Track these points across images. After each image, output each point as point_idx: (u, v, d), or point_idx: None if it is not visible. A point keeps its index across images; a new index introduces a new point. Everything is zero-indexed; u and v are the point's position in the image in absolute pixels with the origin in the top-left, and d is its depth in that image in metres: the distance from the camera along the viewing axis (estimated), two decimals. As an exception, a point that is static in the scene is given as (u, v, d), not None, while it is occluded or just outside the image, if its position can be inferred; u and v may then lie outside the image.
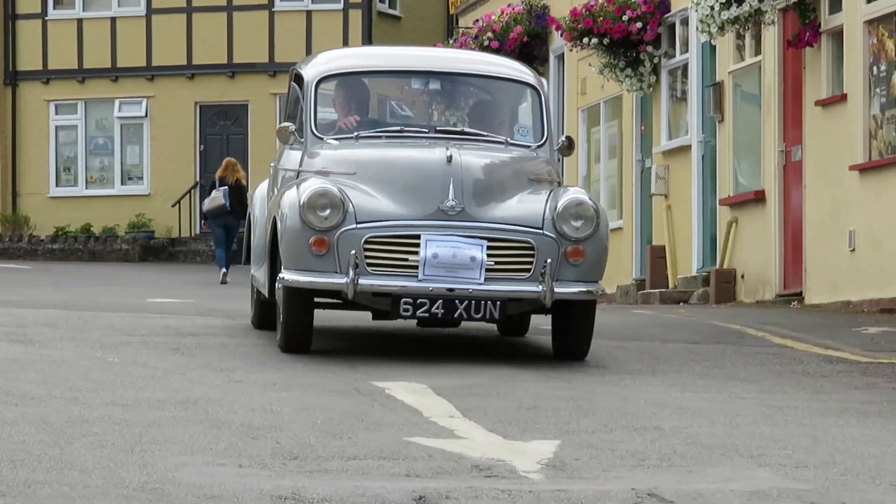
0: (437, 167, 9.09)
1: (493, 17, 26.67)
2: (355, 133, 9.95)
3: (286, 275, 9.00)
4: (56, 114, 37.76)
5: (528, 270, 8.99)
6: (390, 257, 8.98)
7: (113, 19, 37.01)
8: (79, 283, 26.79)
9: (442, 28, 36.09)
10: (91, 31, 37.08)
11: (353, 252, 8.82)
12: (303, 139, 10.03)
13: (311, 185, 9.08)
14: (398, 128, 10.28)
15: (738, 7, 19.35)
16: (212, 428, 7.69)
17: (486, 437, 7.24)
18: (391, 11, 37.64)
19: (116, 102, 37.89)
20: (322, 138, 9.94)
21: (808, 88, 20.17)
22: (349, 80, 10.60)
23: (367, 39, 35.23)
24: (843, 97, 18.96)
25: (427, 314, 8.94)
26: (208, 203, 26.50)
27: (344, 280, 8.80)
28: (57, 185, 37.75)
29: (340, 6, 36.12)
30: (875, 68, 18.78)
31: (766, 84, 21.29)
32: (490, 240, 8.96)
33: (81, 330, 12.73)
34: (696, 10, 20.82)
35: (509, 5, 26.47)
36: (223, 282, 24.70)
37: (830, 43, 19.64)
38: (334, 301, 9.56)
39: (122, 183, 38.05)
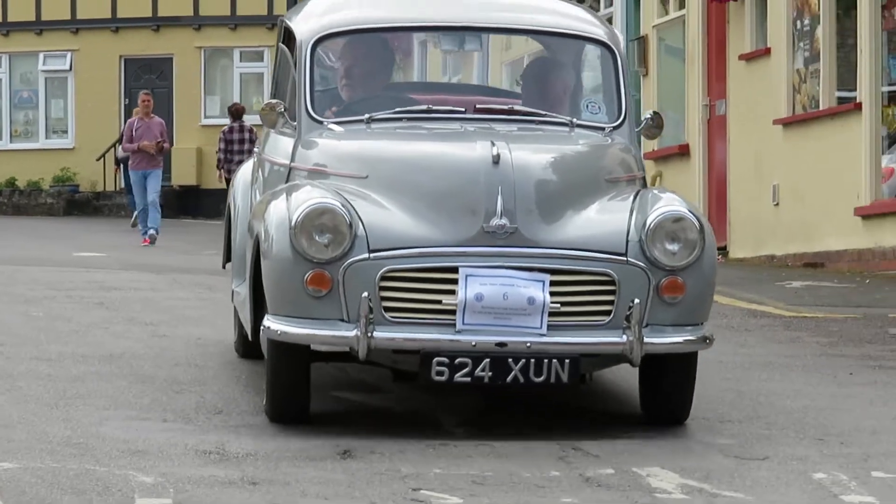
0: (479, 170, 6.97)
1: None
2: (366, 115, 7.74)
3: (272, 323, 6.92)
4: (-21, 67, 38.69)
5: (609, 314, 6.92)
6: (417, 299, 6.89)
7: (36, -28, 37.80)
8: (3, 237, 26.57)
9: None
10: (15, -16, 37.78)
11: (366, 294, 6.73)
12: (295, 122, 7.87)
13: (307, 197, 7.04)
14: (424, 107, 7.92)
15: None
16: (136, 383, 7.67)
17: None
18: None
19: (41, 56, 38.65)
20: (321, 122, 7.76)
21: (731, 43, 20.37)
22: (358, 40, 8.33)
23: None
24: (767, 51, 19.26)
25: (469, 378, 6.81)
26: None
27: (353, 333, 6.73)
28: (-19, 139, 39.13)
29: None
30: (799, 23, 18.98)
31: (689, 38, 21.54)
32: (555, 272, 6.88)
33: (6, 284, 12.84)
34: None
35: None
36: (133, 224, 25.28)
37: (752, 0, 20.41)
38: (339, 352, 7.38)
39: (47, 137, 38.73)
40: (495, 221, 6.70)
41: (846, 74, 18.15)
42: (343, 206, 6.82)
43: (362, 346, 6.58)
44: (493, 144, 6.92)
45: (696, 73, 21.38)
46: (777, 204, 19.39)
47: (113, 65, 37.39)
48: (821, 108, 18.58)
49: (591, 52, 8.16)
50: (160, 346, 8.81)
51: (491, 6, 8.70)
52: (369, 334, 6.56)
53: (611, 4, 23.80)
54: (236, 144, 24.19)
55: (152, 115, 23.82)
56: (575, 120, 7.76)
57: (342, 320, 6.69)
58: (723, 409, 8.35)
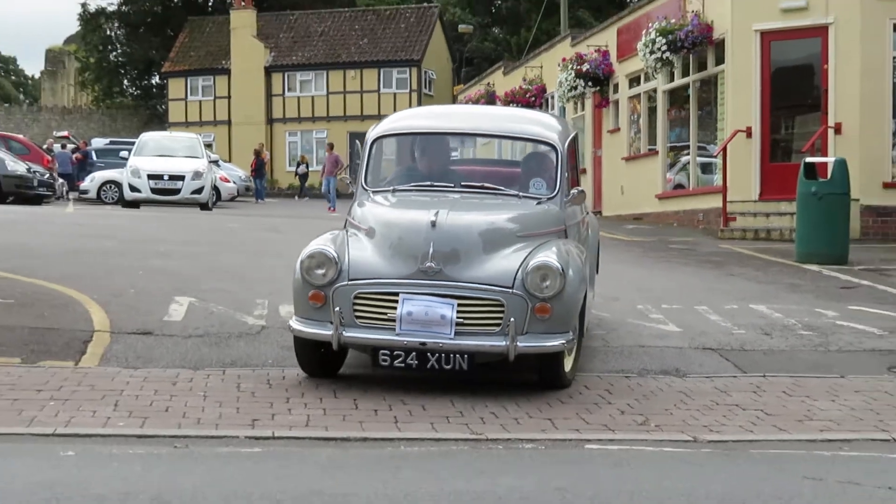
0: (422, 229, 8.32)
1: (471, 96, 40.83)
2: (392, 187, 9.38)
3: (293, 322, 8.54)
4: None
5: (499, 325, 8.16)
6: (374, 312, 8.23)
7: None
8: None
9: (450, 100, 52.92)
10: None
11: (338, 308, 8.16)
12: (355, 191, 9.40)
13: (311, 245, 8.50)
14: (429, 183, 9.38)
15: (574, 91, 29.91)
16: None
17: None
18: (428, 92, 60.77)
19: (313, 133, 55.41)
20: (367, 190, 9.33)
21: (604, 125, 30.37)
22: (396, 140, 9.95)
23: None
24: (618, 129, 29.24)
25: (403, 364, 8.11)
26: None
27: (330, 332, 8.18)
28: None
29: (406, 91, 56.73)
30: (632, 115, 28.49)
31: (587, 122, 31.29)
32: (460, 298, 8.14)
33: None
34: (558, 92, 31.71)
35: (478, 90, 40.75)
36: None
37: (613, 106, 29.72)
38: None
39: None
40: (427, 263, 8.16)
41: (652, 137, 27.13)
42: (335, 250, 8.39)
43: (335, 341, 8.18)
44: (437, 213, 8.37)
45: (589, 139, 31.14)
46: (623, 193, 28.75)
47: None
48: (641, 152, 27.73)
49: (543, 149, 9.60)
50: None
51: (485, 119, 10.59)
52: (340, 333, 8.14)
53: (553, 108, 33.71)
54: None
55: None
56: (521, 193, 9.26)
57: (330, 323, 8.23)
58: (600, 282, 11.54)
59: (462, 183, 9.46)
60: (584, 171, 30.87)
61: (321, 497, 5.58)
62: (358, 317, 8.31)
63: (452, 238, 8.33)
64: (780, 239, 20.76)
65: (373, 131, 9.80)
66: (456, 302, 8.19)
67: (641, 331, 11.02)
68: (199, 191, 30.97)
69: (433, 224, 8.34)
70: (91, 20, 75.32)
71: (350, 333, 8.28)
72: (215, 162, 37.45)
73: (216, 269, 14.34)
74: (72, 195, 37.33)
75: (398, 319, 8.18)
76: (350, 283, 8.34)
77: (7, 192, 29.03)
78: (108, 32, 76.31)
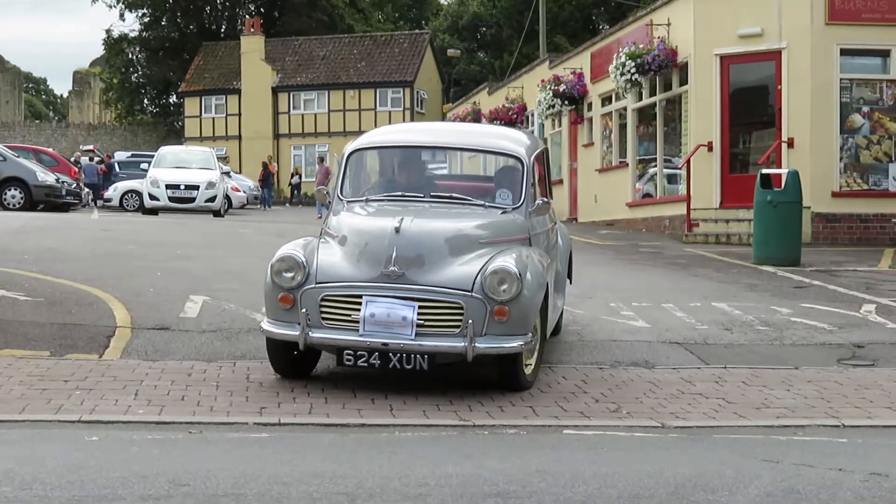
0: (386, 235, 7.90)
1: (459, 114, 41.14)
2: (365, 197, 8.92)
3: (264, 323, 8.14)
4: None
5: (458, 327, 7.72)
6: (339, 314, 7.83)
7: None
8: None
9: (441, 119, 52.48)
10: None
11: (305, 310, 7.79)
12: (332, 201, 8.99)
13: (282, 250, 8.11)
14: (400, 193, 8.92)
15: (552, 109, 29.93)
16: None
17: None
18: (420, 111, 61.11)
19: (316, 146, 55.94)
20: (343, 200, 8.88)
21: (579, 139, 30.25)
22: (371, 153, 9.46)
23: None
24: (592, 143, 29.11)
25: (366, 364, 7.71)
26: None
27: (297, 333, 7.81)
28: None
29: (400, 109, 57.08)
30: (605, 131, 28.34)
31: (563, 138, 31.31)
32: (421, 301, 7.71)
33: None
34: (537, 109, 31.69)
35: (465, 108, 40.74)
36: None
37: (587, 122, 29.62)
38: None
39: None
40: (390, 267, 7.75)
41: (623, 151, 26.92)
42: (304, 255, 8.02)
43: (301, 341, 7.78)
44: (401, 220, 7.96)
45: (565, 152, 31.29)
46: (596, 201, 28.57)
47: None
48: (613, 164, 27.52)
49: (511, 162, 9.14)
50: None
51: (455, 134, 10.28)
52: (307, 334, 7.76)
53: (533, 125, 33.82)
54: None
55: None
56: (488, 203, 8.83)
57: (299, 324, 7.83)
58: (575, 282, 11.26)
59: (432, 193, 9.07)
60: (560, 181, 30.88)
61: (322, 478, 5.55)
62: (324, 318, 7.94)
63: (415, 243, 7.97)
64: (738, 243, 20.70)
65: (349, 145, 9.44)
66: (417, 304, 7.81)
67: (613, 326, 10.98)
68: (212, 199, 30.91)
69: (397, 230, 7.97)
70: (114, 45, 75.38)
71: (316, 334, 7.91)
72: (227, 173, 37.41)
73: (228, 270, 14.34)
74: (99, 203, 37.37)
75: (362, 321, 7.82)
76: (317, 285, 7.98)
77: (38, 200, 29.06)
78: (130, 56, 76.40)
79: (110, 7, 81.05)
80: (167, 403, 7.46)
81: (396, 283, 7.84)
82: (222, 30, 75.36)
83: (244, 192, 41.03)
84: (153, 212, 30.61)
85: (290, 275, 8.00)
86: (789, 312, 12.12)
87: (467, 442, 6.67)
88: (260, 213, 39.45)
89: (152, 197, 30.78)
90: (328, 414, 7.30)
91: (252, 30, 65.06)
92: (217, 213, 30.96)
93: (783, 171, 17.73)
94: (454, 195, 8.98)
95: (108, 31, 75.50)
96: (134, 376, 8.24)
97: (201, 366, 8.72)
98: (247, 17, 71.06)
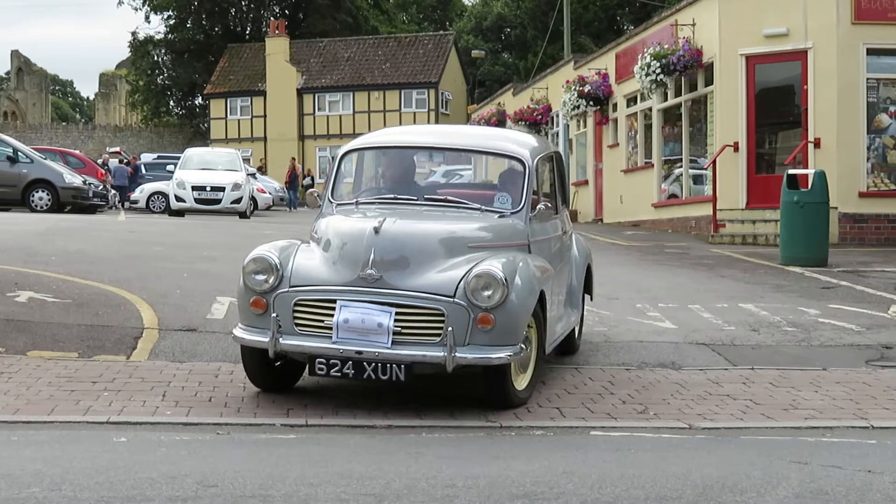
0: (364, 236, 7.38)
1: (483, 115, 41.12)
2: (355, 200, 8.40)
3: (236, 330, 7.64)
4: None
5: (439, 335, 7.15)
6: (312, 320, 7.33)
7: None
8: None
9: (465, 120, 52.28)
10: None
11: (276, 315, 7.31)
12: (322, 204, 8.51)
13: (255, 251, 7.63)
14: (392, 196, 8.38)
15: (577, 110, 29.90)
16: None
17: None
18: (445, 112, 61.04)
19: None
20: (332, 203, 8.41)
21: (604, 140, 30.33)
22: (364, 155, 8.91)
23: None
24: (617, 144, 29.18)
25: (339, 373, 7.22)
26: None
27: (268, 339, 7.32)
28: None
29: (425, 110, 56.94)
30: (630, 131, 28.55)
31: (588, 139, 31.46)
32: (399, 306, 7.18)
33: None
34: (562, 110, 31.80)
35: (490, 110, 40.78)
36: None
37: (612, 123, 29.66)
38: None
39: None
40: (366, 270, 7.21)
41: (648, 152, 26.88)
42: (278, 257, 7.53)
43: (271, 349, 7.30)
44: (382, 220, 7.41)
45: (591, 153, 31.41)
46: (622, 202, 28.65)
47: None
48: (638, 165, 27.65)
49: (512, 164, 8.56)
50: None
51: (455, 135, 9.68)
52: (276, 340, 7.27)
53: (557, 126, 33.96)
54: None
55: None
56: (484, 207, 8.22)
57: (271, 330, 7.30)
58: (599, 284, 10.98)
59: (426, 196, 8.49)
60: (585, 182, 31.01)
61: (350, 479, 5.55)
62: (297, 324, 7.41)
63: (396, 245, 7.39)
64: (765, 244, 20.70)
65: (343, 147, 8.92)
66: (394, 310, 7.23)
67: (640, 327, 10.96)
68: (237, 201, 30.96)
69: (376, 231, 7.40)
70: (140, 47, 75.73)
71: (286, 341, 7.37)
72: (252, 174, 37.58)
73: (254, 271, 14.38)
74: (126, 204, 37.53)
75: (335, 327, 7.27)
76: (291, 289, 7.45)
77: (65, 202, 29.20)
78: (156, 58, 76.72)
79: (136, 10, 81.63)
80: (195, 404, 7.48)
81: (373, 287, 7.30)
82: (247, 32, 75.57)
83: (269, 193, 41.15)
84: (179, 213, 30.74)
85: (262, 277, 7.53)
86: (817, 313, 12.12)
87: (494, 443, 6.65)
88: (285, 214, 39.35)
89: (178, 198, 30.93)
90: (355, 415, 7.31)
91: (277, 31, 65.23)
92: (243, 215, 31.01)
93: (810, 171, 17.73)
94: (449, 198, 8.45)
95: (133, 34, 76.20)
96: (161, 377, 8.26)
97: (228, 367, 8.70)
98: (271, 18, 71.29)
